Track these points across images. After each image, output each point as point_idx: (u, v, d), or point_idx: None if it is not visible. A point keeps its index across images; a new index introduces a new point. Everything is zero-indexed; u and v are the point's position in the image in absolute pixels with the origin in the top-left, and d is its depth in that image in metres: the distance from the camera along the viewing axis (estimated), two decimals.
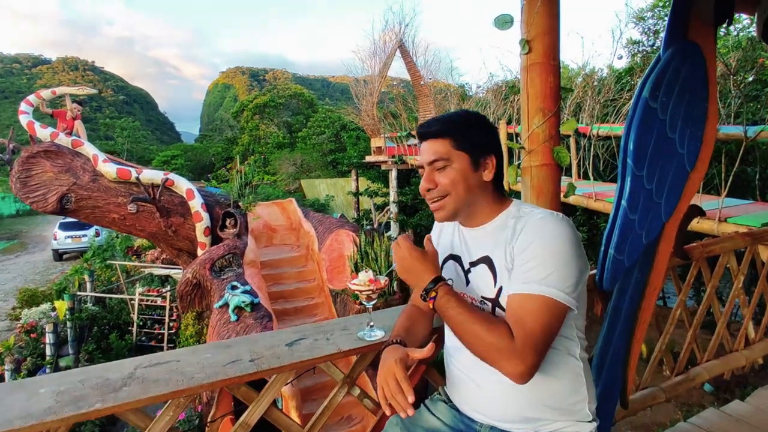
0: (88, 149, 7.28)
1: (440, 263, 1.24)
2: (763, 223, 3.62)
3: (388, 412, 1.05)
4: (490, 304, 1.11)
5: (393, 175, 12.50)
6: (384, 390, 1.05)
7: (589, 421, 1.11)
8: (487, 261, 1.13)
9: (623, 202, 1.78)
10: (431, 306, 1.08)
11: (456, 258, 1.23)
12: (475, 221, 1.18)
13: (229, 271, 6.44)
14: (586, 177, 5.77)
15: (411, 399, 1.01)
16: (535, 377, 1.04)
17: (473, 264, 1.17)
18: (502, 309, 1.08)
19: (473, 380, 1.16)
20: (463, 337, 1.05)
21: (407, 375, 1.04)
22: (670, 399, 2.28)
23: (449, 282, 1.19)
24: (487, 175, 1.14)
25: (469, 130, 1.15)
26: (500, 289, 1.08)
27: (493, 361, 1.01)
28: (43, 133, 7.17)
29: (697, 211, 2.09)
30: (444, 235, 1.31)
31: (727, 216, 3.92)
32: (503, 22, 1.63)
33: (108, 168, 7.04)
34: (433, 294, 1.07)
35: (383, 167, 13.70)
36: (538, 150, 1.62)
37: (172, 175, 7.39)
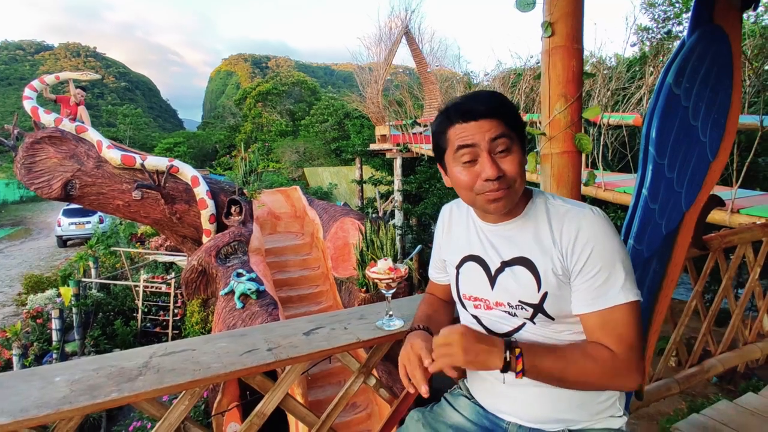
0: (92, 135, 7.23)
1: (456, 265, 1.16)
2: None
3: (411, 390, 1.02)
4: (531, 309, 1.03)
5: (398, 164, 12.45)
6: (406, 366, 1.03)
7: (620, 416, 1.09)
8: (525, 263, 1.03)
9: (644, 191, 1.74)
10: (520, 371, 0.93)
11: (476, 259, 1.11)
12: (503, 216, 1.07)
13: (234, 259, 6.44)
14: (594, 166, 5.71)
15: (426, 377, 1.00)
16: None
17: (507, 264, 1.06)
18: (546, 315, 1.02)
19: (500, 380, 1.10)
20: (568, 381, 0.96)
21: (430, 353, 1.01)
22: (684, 391, 2.26)
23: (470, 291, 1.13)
24: (525, 163, 1.04)
25: (515, 112, 1.02)
26: (545, 295, 1.01)
27: (608, 386, 0.99)
28: (47, 118, 7.12)
29: (717, 202, 2.04)
30: (456, 234, 1.20)
31: (739, 207, 3.87)
32: (525, 3, 1.57)
33: (112, 154, 7.00)
34: (518, 351, 0.93)
35: (388, 155, 13.64)
36: (560, 137, 1.58)
37: (176, 162, 7.35)
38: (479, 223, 1.13)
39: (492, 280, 1.08)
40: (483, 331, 1.13)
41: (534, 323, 1.04)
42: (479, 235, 1.13)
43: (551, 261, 1.00)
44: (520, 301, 1.04)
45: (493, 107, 0.98)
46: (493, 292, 1.08)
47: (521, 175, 1.00)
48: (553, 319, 1.02)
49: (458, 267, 1.16)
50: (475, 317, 1.14)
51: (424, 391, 0.98)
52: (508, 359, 0.92)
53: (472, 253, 1.13)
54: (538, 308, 1.02)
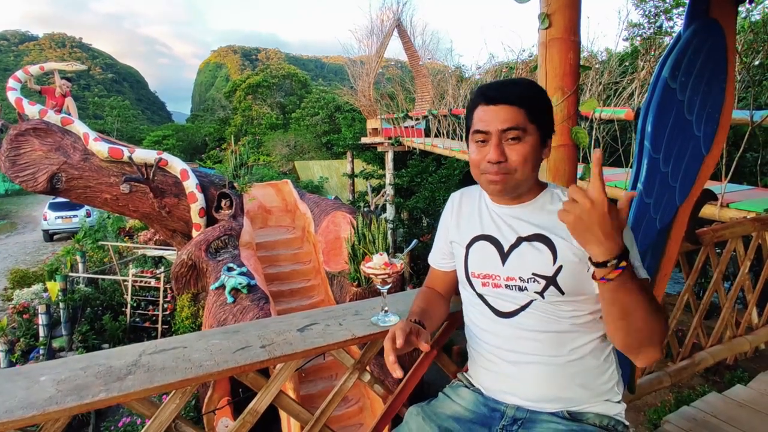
0: (79, 127, 7.10)
1: (465, 244, 1.18)
2: (765, 208, 3.61)
3: (391, 369, 1.01)
4: (543, 281, 1.05)
5: (389, 157, 12.40)
6: (384, 348, 1.06)
7: (617, 402, 1.10)
8: (542, 239, 1.06)
9: (639, 185, 1.73)
10: (612, 277, 0.85)
11: (488, 238, 1.15)
12: (517, 199, 1.12)
13: (225, 253, 6.39)
14: (585, 161, 5.73)
15: (400, 342, 1.01)
16: (573, 357, 1.06)
17: (524, 239, 1.08)
18: (558, 288, 1.04)
19: (505, 360, 1.12)
20: (633, 317, 0.89)
21: (405, 333, 1.04)
22: (675, 383, 2.28)
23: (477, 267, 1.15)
24: (546, 154, 1.09)
25: (543, 103, 1.07)
26: (560, 268, 1.03)
27: (647, 347, 0.94)
28: (31, 110, 6.98)
29: (710, 196, 2.05)
30: (466, 216, 1.22)
31: (729, 201, 3.90)
32: None
33: (99, 147, 6.88)
34: (624, 263, 0.84)
35: (379, 149, 13.60)
36: (556, 130, 1.55)
37: (165, 155, 7.25)
38: (492, 206, 1.17)
39: (504, 256, 1.11)
40: (488, 311, 1.14)
41: (543, 298, 1.06)
42: (492, 217, 1.16)
43: (570, 239, 1.01)
44: (533, 274, 1.06)
45: (515, 94, 1.03)
46: (504, 267, 1.10)
47: (523, 165, 1.03)
48: (563, 293, 1.04)
49: (468, 246, 1.18)
50: (481, 296, 1.16)
51: (396, 371, 0.98)
52: (618, 260, 0.84)
53: (484, 233, 1.16)
54: (551, 281, 1.04)
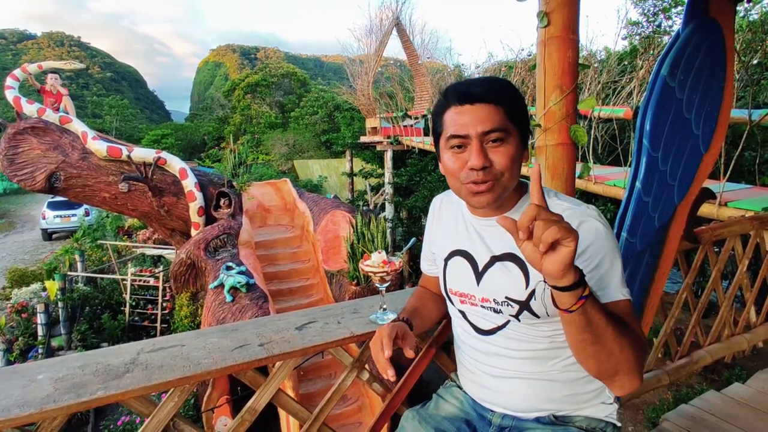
0: (77, 126, 7.08)
1: (443, 259, 1.14)
2: (763, 207, 3.61)
3: (386, 375, 1.02)
4: (516, 306, 0.99)
5: (388, 156, 12.40)
6: (372, 352, 1.07)
7: (610, 404, 1.08)
8: (514, 259, 0.99)
9: (638, 184, 1.74)
10: (576, 308, 0.78)
11: (464, 254, 1.09)
12: (494, 209, 1.03)
13: (223, 252, 6.38)
14: (584, 159, 5.73)
15: (388, 354, 1.01)
16: (555, 371, 1.03)
17: (497, 258, 1.02)
18: (532, 313, 0.98)
19: (487, 373, 1.11)
20: (600, 347, 0.83)
21: (391, 340, 1.04)
22: (674, 382, 2.28)
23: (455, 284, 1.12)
24: (525, 157, 0.98)
25: (521, 101, 0.97)
26: (533, 292, 0.97)
27: (616, 375, 0.87)
28: (29, 108, 6.95)
29: (708, 195, 2.05)
30: (445, 226, 1.17)
31: (727, 200, 3.91)
32: None
33: (98, 145, 6.86)
34: (587, 292, 0.78)
35: (378, 148, 13.60)
36: (555, 128, 1.56)
37: (164, 154, 7.23)
38: (469, 216, 1.10)
39: (479, 275, 1.05)
40: (468, 326, 1.12)
41: (519, 321, 1.01)
42: (468, 229, 1.09)
43: None
44: (506, 297, 1.01)
45: (493, 92, 0.93)
46: (479, 287, 1.05)
47: (511, 169, 0.95)
48: (538, 317, 0.99)
49: (446, 260, 1.14)
50: (462, 312, 1.14)
51: (390, 375, 0.99)
52: (573, 288, 0.77)
53: (460, 248, 1.10)
54: (524, 305, 0.99)
